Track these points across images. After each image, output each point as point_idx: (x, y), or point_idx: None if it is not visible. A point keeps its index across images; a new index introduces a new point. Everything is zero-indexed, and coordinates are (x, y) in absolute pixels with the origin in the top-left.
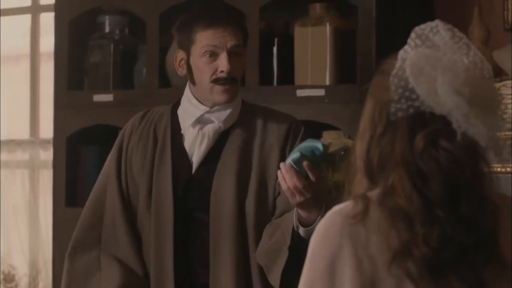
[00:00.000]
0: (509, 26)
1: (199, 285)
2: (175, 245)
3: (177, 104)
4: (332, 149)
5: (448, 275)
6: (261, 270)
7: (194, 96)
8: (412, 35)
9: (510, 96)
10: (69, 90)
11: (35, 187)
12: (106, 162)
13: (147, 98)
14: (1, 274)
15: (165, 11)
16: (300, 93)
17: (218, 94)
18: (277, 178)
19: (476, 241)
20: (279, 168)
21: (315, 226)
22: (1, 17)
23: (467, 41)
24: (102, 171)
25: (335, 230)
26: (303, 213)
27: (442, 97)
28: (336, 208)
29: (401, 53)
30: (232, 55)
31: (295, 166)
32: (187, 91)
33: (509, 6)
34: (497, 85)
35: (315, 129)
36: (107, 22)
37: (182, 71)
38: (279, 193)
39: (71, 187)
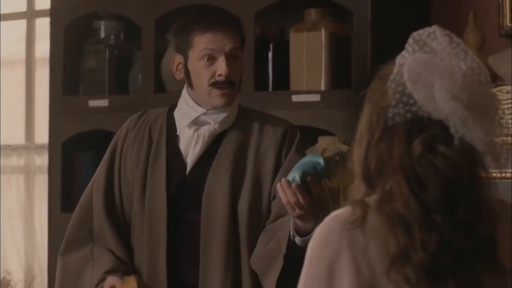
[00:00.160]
0: (504, 32)
1: (191, 286)
2: (168, 245)
3: (174, 106)
4: (327, 154)
5: (446, 280)
6: (251, 273)
7: (192, 99)
8: (410, 40)
9: (507, 101)
10: (64, 95)
11: (30, 193)
12: (100, 163)
13: (142, 104)
14: None
15: (160, 16)
16: (295, 98)
17: (217, 97)
18: (272, 182)
19: (474, 245)
20: (273, 173)
21: (311, 236)
22: None
23: (464, 46)
24: (96, 172)
25: (334, 236)
26: (300, 223)
27: (440, 102)
28: (334, 213)
29: (398, 58)
30: (230, 58)
31: (298, 183)
32: (184, 93)
33: (504, 12)
34: (493, 90)
35: (310, 135)
36: (102, 28)
37: (180, 75)
38: (274, 197)
39: (66, 193)
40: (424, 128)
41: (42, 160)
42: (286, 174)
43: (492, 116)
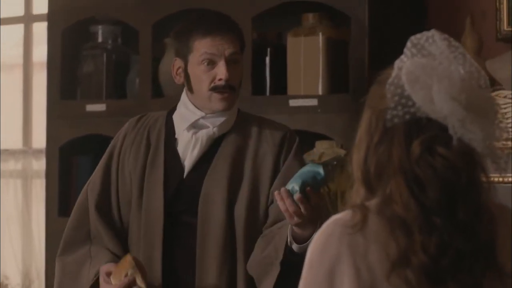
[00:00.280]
0: (502, 36)
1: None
2: (164, 247)
3: (173, 110)
4: (324, 159)
5: (447, 282)
6: (247, 277)
7: (192, 103)
8: (408, 44)
9: (505, 106)
10: (62, 99)
11: (27, 197)
12: (98, 164)
13: (140, 108)
14: None
15: (158, 21)
16: (292, 103)
17: (216, 102)
18: (270, 186)
19: (473, 248)
20: (271, 177)
21: (309, 243)
22: None
23: (463, 50)
24: (93, 173)
25: (334, 240)
26: (298, 230)
27: (438, 103)
28: (334, 218)
29: (397, 62)
30: (230, 62)
31: (297, 192)
32: (183, 97)
33: (502, 16)
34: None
35: (307, 139)
36: (100, 32)
37: (180, 80)
38: (272, 202)
39: (64, 197)
40: (423, 129)
41: (39, 165)
42: (284, 179)
43: (491, 119)
